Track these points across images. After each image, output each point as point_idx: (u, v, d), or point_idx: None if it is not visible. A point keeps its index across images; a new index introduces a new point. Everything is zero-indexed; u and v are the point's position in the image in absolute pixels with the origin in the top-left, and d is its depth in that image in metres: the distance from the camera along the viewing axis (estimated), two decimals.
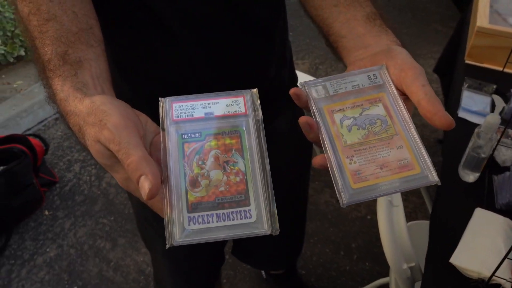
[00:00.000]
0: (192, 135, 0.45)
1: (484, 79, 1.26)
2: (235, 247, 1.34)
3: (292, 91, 0.47)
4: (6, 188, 1.68)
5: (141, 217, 0.98)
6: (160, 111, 0.46)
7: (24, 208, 1.80)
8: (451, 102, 1.25)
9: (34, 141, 1.87)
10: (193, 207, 0.41)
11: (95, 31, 0.53)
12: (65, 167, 2.07)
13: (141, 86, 0.74)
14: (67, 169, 2.07)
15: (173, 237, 0.40)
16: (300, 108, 0.49)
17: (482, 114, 1.13)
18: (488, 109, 1.17)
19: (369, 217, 1.87)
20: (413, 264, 0.81)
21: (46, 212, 1.86)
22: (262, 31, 0.72)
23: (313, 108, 0.46)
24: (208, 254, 1.08)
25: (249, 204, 0.41)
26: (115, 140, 0.40)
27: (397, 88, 0.46)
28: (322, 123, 0.45)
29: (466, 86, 1.24)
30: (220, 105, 0.47)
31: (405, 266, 0.77)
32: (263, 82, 0.77)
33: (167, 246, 0.40)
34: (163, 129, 0.45)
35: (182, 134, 0.45)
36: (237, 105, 0.47)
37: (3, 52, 2.48)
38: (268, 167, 0.43)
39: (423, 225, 1.13)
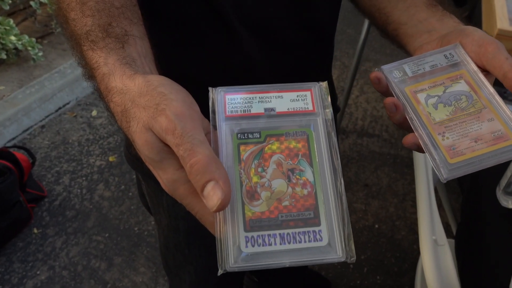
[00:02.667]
0: (250, 135, 0.38)
1: None
2: None
3: (373, 75, 0.47)
4: None
5: (170, 242, 0.86)
6: (210, 103, 0.38)
7: (11, 228, 1.67)
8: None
9: (19, 155, 1.74)
10: (251, 225, 0.34)
11: (137, 9, 0.46)
12: (53, 180, 1.95)
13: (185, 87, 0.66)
14: (56, 181, 1.94)
15: (227, 261, 0.32)
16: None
17: None
18: None
19: (377, 226, 1.79)
20: None
21: (35, 230, 1.74)
22: (322, 33, 0.68)
23: (396, 90, 0.46)
24: (240, 282, 0.99)
25: (319, 224, 0.34)
26: (176, 132, 0.32)
27: (476, 65, 0.46)
28: (407, 104, 0.45)
29: None
30: (283, 99, 0.39)
31: None
32: None
33: (220, 272, 0.32)
34: (214, 127, 0.37)
35: (237, 134, 0.37)
36: (303, 101, 0.40)
37: None
38: (341, 178, 0.36)
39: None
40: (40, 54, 2.31)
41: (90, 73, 0.42)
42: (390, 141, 2.15)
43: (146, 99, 0.34)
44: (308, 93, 0.40)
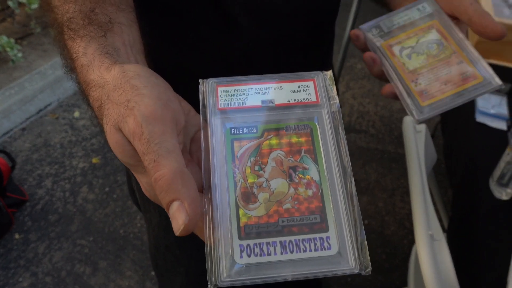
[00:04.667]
0: (245, 130, 0.34)
1: None
2: None
3: (352, 32, 0.52)
4: None
5: (160, 242, 0.82)
6: (201, 96, 0.35)
7: None
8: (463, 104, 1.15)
9: None
10: (247, 232, 0.30)
11: None
12: (35, 183, 1.90)
13: (177, 77, 0.63)
14: (38, 185, 1.89)
15: (219, 275, 0.28)
16: None
17: (502, 118, 1.04)
18: (505, 110, 1.08)
19: (366, 221, 1.78)
20: None
21: (17, 236, 1.69)
22: (324, 24, 0.67)
23: (373, 46, 0.51)
24: None
25: (327, 229, 0.30)
26: (143, 137, 0.29)
27: (448, 15, 0.50)
28: (384, 57, 0.50)
29: None
30: (282, 90, 0.36)
31: None
32: None
33: (209, 287, 0.28)
34: (205, 121, 0.33)
35: (231, 128, 0.33)
36: (305, 92, 0.36)
37: None
38: (351, 176, 0.32)
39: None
40: (20, 55, 2.25)
41: (70, 65, 0.38)
42: (377, 137, 2.14)
43: (119, 94, 0.31)
44: (311, 83, 0.36)
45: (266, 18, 0.59)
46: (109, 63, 0.34)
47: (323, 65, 0.76)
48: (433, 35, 0.50)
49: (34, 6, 2.33)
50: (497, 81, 0.45)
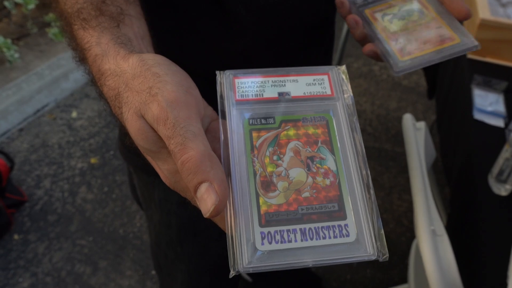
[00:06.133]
0: (263, 121, 0.34)
1: (491, 74, 1.19)
2: None
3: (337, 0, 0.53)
4: None
5: (161, 239, 0.82)
6: (218, 88, 0.35)
7: None
8: (460, 101, 1.16)
9: None
10: (268, 219, 0.30)
11: None
12: (34, 184, 1.89)
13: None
14: (37, 185, 1.89)
15: (241, 261, 0.28)
16: None
17: (499, 116, 1.05)
18: (502, 108, 1.09)
19: None
20: None
21: (16, 236, 1.69)
22: (324, 23, 0.68)
23: (356, 12, 0.54)
24: (236, 282, 0.96)
25: (345, 217, 0.31)
26: (168, 121, 0.29)
27: None
28: (366, 21, 0.53)
29: (475, 83, 1.15)
30: (298, 83, 0.37)
31: None
32: None
33: (232, 274, 0.28)
34: (222, 112, 0.34)
35: (249, 119, 0.34)
36: (320, 85, 0.37)
37: None
38: (367, 166, 0.33)
39: None
40: (17, 55, 2.25)
41: (81, 55, 0.38)
42: (374, 135, 2.15)
43: (140, 81, 0.31)
44: (325, 77, 0.37)
45: (267, 16, 0.59)
46: (125, 52, 0.34)
47: (323, 64, 0.77)
48: (414, 5, 0.54)
49: (31, 6, 2.33)
50: (473, 42, 0.47)
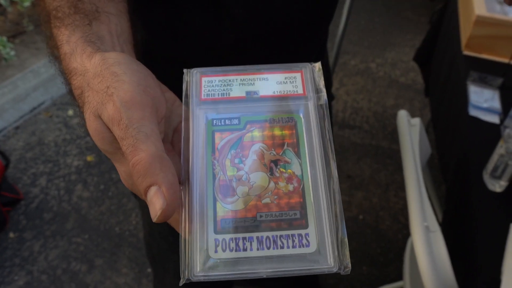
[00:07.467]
0: (227, 121, 0.33)
1: (486, 71, 1.18)
2: None
3: None
4: None
5: (154, 229, 0.81)
6: (184, 86, 0.34)
7: None
8: (456, 97, 1.16)
9: None
10: (223, 226, 0.29)
11: None
12: (29, 182, 1.89)
13: (168, 68, 0.64)
14: (32, 183, 1.88)
15: (192, 269, 0.27)
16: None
17: (495, 112, 1.05)
18: (497, 104, 1.09)
19: (361, 217, 1.79)
20: None
21: (11, 235, 1.68)
22: (318, 19, 0.67)
23: None
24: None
25: (306, 226, 0.29)
26: (121, 122, 0.28)
27: None
28: None
29: (471, 80, 1.15)
30: (268, 82, 0.35)
31: None
32: None
33: (181, 282, 0.27)
34: (188, 112, 0.33)
35: (212, 120, 0.32)
36: (291, 83, 0.35)
37: None
38: (335, 172, 0.30)
39: None
40: (12, 53, 2.24)
41: (55, 54, 0.38)
42: (371, 132, 2.15)
43: (99, 81, 0.31)
44: (298, 75, 0.35)
45: (259, 10, 0.58)
46: (91, 51, 0.34)
47: (316, 61, 0.76)
48: None
49: (27, 4, 2.32)
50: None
